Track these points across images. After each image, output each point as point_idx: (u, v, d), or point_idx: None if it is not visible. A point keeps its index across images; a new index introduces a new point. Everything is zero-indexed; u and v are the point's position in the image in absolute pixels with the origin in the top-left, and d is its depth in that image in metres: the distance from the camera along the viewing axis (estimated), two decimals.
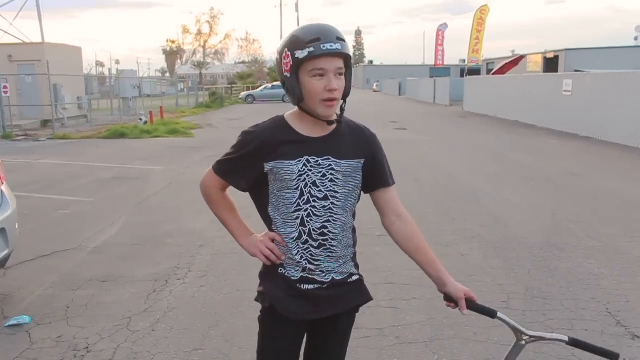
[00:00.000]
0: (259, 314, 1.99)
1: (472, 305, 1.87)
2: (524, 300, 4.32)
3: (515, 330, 1.81)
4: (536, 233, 6.15)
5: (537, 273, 4.90)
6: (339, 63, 1.76)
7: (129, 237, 6.19)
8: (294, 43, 1.75)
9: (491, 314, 1.84)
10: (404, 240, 1.96)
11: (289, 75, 1.79)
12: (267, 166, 1.84)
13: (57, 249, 5.71)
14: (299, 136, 1.85)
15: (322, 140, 1.85)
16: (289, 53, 1.76)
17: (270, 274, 1.93)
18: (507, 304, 4.21)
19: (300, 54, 1.73)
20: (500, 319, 1.82)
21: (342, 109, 1.88)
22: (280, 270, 1.90)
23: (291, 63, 1.76)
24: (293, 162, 1.82)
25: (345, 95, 1.83)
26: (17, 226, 4.53)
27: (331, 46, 1.72)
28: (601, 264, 5.12)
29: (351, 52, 1.82)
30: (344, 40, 1.76)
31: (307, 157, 1.83)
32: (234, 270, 4.96)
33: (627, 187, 8.99)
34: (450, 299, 1.89)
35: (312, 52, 1.72)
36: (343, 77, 1.79)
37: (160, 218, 7.02)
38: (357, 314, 2.07)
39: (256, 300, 1.98)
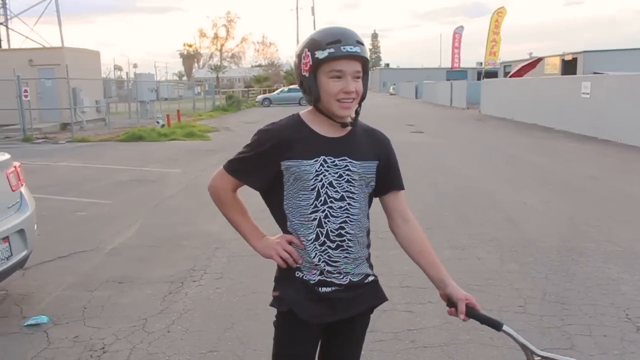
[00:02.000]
0: (275, 318, 1.98)
1: (475, 314, 1.82)
2: (541, 304, 4.27)
3: (524, 348, 1.73)
4: (554, 237, 6.08)
5: (554, 277, 4.85)
6: (357, 66, 1.78)
7: (145, 239, 6.23)
8: (314, 44, 1.77)
9: (496, 325, 1.77)
10: (408, 243, 1.97)
11: (307, 75, 1.80)
12: (284, 165, 1.83)
13: (74, 250, 5.77)
14: (316, 135, 1.85)
15: (338, 141, 1.86)
16: (308, 53, 1.78)
17: (287, 278, 1.91)
18: (524, 309, 4.17)
19: (321, 55, 1.75)
20: (505, 332, 1.75)
21: (357, 112, 1.88)
22: (298, 274, 1.89)
23: (310, 63, 1.78)
24: (310, 162, 1.82)
25: (361, 99, 1.85)
26: (35, 227, 4.58)
27: (351, 49, 1.74)
28: (620, 269, 5.05)
29: (368, 55, 1.83)
30: (363, 44, 1.79)
31: (324, 157, 1.83)
32: (250, 272, 4.97)
33: None
34: (452, 304, 1.86)
35: (332, 54, 1.74)
36: (360, 81, 1.81)
37: (177, 220, 7.06)
38: (372, 317, 2.07)
39: (272, 305, 1.96)
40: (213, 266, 5.26)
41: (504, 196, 8.38)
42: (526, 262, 5.26)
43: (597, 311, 4.12)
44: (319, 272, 1.87)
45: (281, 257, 1.88)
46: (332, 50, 1.74)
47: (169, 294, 4.57)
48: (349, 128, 1.87)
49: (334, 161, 1.84)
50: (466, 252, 5.53)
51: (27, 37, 23.84)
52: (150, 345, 3.68)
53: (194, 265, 5.29)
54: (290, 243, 1.88)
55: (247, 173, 1.90)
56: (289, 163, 1.82)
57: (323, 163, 1.83)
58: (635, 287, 4.61)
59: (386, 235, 5.67)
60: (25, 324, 4.00)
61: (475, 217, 7.06)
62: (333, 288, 1.88)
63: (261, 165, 1.86)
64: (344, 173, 1.85)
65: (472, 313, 1.83)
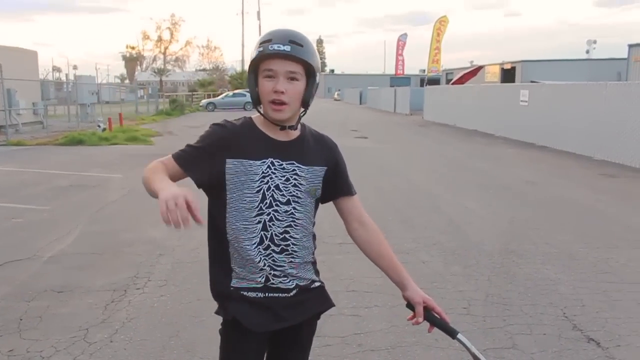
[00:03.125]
0: (220, 326, 1.93)
1: (433, 320, 1.85)
2: (484, 306, 4.38)
3: (475, 358, 1.77)
4: (495, 240, 6.26)
5: (496, 279, 4.98)
6: (291, 67, 1.74)
7: (86, 246, 6.03)
8: (255, 45, 1.78)
9: (451, 333, 1.81)
10: (366, 246, 1.97)
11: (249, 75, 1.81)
12: (229, 163, 1.78)
13: (9, 258, 5.52)
14: (266, 137, 1.83)
15: (288, 145, 1.85)
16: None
17: (227, 290, 1.85)
18: (468, 310, 4.27)
19: (253, 54, 1.76)
20: (459, 340, 1.79)
21: (299, 117, 1.87)
22: (232, 287, 1.84)
23: (249, 63, 1.79)
24: (257, 163, 1.80)
25: (304, 104, 1.82)
26: None
27: (279, 47, 1.71)
28: (558, 270, 5.24)
29: (314, 60, 1.77)
30: (301, 45, 1.73)
31: (272, 159, 1.81)
32: (194, 279, 4.89)
33: (580, 194, 9.25)
34: (412, 307, 1.88)
35: (261, 52, 1.73)
36: (297, 82, 1.76)
37: (119, 227, 6.87)
38: (319, 322, 2.05)
39: (217, 313, 1.92)
40: (157, 273, 5.15)
41: (446, 200, 8.56)
42: (469, 264, 5.39)
43: (537, 311, 4.27)
44: (264, 277, 1.83)
45: (167, 209, 1.47)
46: (261, 49, 1.73)
47: (111, 303, 4.44)
48: (297, 133, 1.87)
49: (282, 164, 1.82)
50: (411, 255, 5.62)
51: None
52: (92, 357, 3.55)
53: (137, 272, 5.16)
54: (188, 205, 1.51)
55: (192, 162, 1.80)
56: (235, 162, 1.79)
57: (270, 165, 1.81)
58: (571, 287, 4.79)
59: (331, 240, 5.71)
60: None
61: (419, 221, 7.19)
62: (279, 294, 1.85)
63: (208, 158, 1.80)
64: (291, 177, 1.83)
65: (430, 318, 1.85)
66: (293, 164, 1.84)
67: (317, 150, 1.91)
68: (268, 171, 1.80)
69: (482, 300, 4.50)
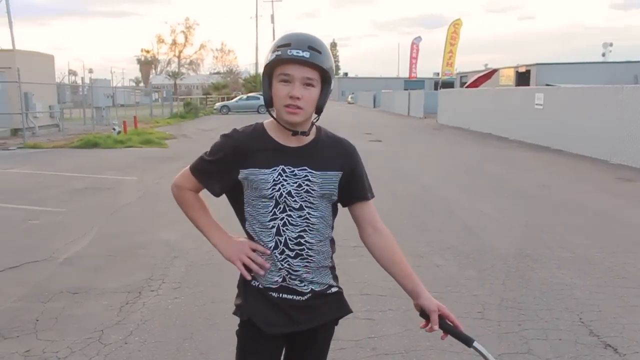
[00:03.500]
0: (237, 327, 1.94)
1: (448, 328, 1.83)
2: (498, 310, 4.34)
3: None
4: (510, 244, 6.21)
5: (511, 283, 4.94)
6: (309, 73, 1.73)
7: (101, 248, 6.08)
8: (271, 47, 1.77)
9: (467, 341, 1.78)
10: (379, 253, 1.95)
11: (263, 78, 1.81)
12: (242, 173, 1.81)
13: (26, 260, 5.58)
14: (276, 144, 1.83)
15: (299, 150, 1.84)
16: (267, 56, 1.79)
17: (247, 286, 1.89)
18: (483, 315, 4.23)
19: (270, 57, 1.75)
20: (475, 348, 1.76)
21: (313, 123, 1.86)
22: (254, 282, 1.87)
23: (264, 65, 1.78)
24: (268, 171, 1.80)
25: (318, 110, 1.81)
26: None
27: (297, 52, 1.70)
28: (573, 274, 5.19)
29: (331, 66, 1.76)
30: (319, 52, 1.72)
31: (283, 166, 1.81)
32: (209, 281, 4.90)
33: (597, 198, 9.16)
34: (425, 316, 1.85)
35: (279, 56, 1.72)
36: (313, 89, 1.75)
37: (134, 229, 6.92)
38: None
39: (234, 313, 1.93)
40: (171, 275, 5.17)
41: (461, 204, 8.52)
42: (484, 268, 5.35)
43: (552, 316, 4.22)
44: (281, 278, 1.84)
45: (243, 264, 1.85)
46: (279, 52, 1.72)
47: (126, 304, 4.47)
48: (310, 137, 1.85)
49: (294, 171, 1.81)
50: (425, 259, 5.59)
51: None
52: (106, 358, 3.58)
53: (151, 274, 5.18)
54: (254, 250, 1.85)
55: (208, 176, 1.89)
56: (246, 172, 1.81)
57: (282, 172, 1.81)
58: (587, 292, 4.74)
59: (345, 244, 5.72)
60: None
61: (433, 225, 7.16)
62: (294, 297, 1.86)
63: (221, 170, 1.85)
64: (303, 183, 1.82)
65: (444, 326, 1.83)
66: (305, 169, 1.83)
67: (333, 155, 1.89)
68: (279, 178, 1.80)
69: (497, 304, 4.46)
